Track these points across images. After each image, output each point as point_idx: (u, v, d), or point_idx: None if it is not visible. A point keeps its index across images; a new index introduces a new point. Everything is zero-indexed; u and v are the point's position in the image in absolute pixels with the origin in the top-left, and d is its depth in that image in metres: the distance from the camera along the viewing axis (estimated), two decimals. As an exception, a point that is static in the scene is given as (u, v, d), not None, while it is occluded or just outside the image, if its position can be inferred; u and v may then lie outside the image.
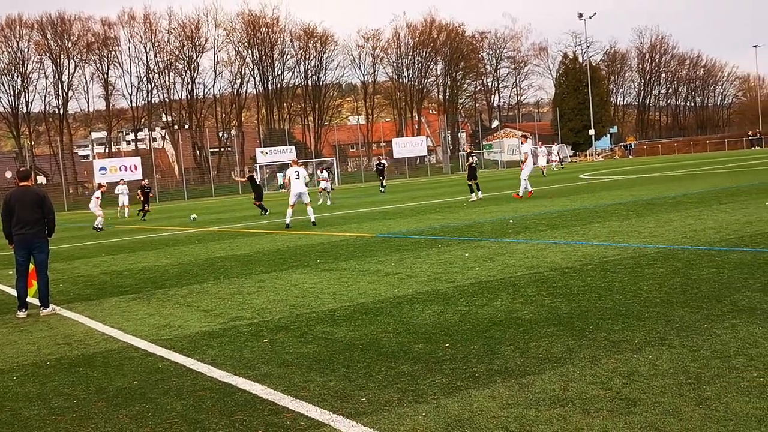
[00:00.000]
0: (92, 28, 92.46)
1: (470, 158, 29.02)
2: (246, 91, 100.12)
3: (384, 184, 45.16)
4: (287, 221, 21.81)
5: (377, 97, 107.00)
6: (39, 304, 10.88)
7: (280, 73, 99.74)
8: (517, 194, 26.35)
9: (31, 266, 10.99)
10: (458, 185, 42.75)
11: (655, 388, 5.15)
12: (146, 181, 41.19)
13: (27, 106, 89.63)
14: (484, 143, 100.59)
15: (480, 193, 27.59)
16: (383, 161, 47.50)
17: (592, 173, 44.48)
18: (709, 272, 9.11)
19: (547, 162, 53.53)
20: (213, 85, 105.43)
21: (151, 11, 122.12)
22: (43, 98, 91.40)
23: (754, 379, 5.16)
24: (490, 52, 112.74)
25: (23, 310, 10.72)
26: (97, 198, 30.65)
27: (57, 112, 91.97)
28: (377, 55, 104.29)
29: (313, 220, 22.14)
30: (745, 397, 4.84)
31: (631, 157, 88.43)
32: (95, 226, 29.39)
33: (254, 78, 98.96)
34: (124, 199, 41.41)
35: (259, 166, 78.66)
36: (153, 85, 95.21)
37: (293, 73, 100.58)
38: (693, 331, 6.54)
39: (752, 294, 7.74)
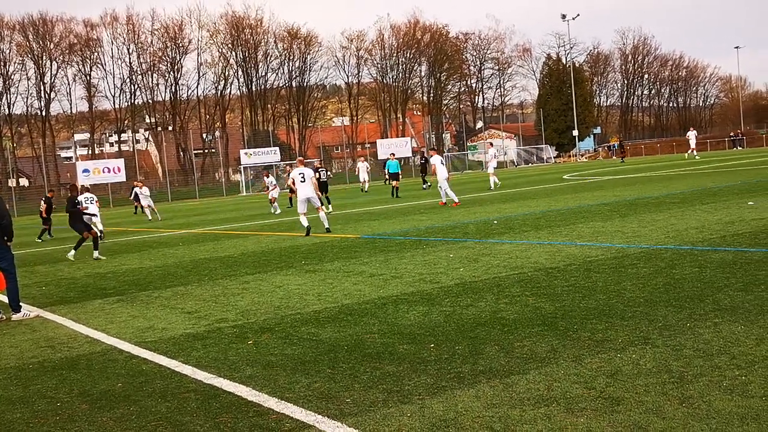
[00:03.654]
0: (74, 29, 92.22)
1: (318, 172, 27.05)
2: (230, 93, 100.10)
3: (425, 180, 42.69)
4: (305, 224, 19.01)
5: (362, 98, 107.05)
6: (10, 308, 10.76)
7: (264, 74, 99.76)
8: (456, 203, 25.14)
9: None
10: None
11: (638, 387, 5.18)
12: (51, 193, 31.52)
13: (9, 107, 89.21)
14: (468, 144, 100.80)
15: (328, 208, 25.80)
16: (426, 156, 46.56)
17: (575, 174, 44.66)
18: (692, 272, 9.17)
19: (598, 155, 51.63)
20: (197, 87, 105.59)
21: (133, 12, 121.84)
22: (25, 100, 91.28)
23: (736, 378, 5.20)
24: (474, 53, 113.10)
25: None
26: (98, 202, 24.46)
27: (39, 113, 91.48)
28: (361, 56, 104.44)
29: (327, 225, 19.29)
30: (728, 395, 4.88)
31: (614, 157, 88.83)
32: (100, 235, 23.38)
33: (238, 79, 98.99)
34: (148, 201, 37.48)
35: (243, 167, 78.51)
36: (136, 86, 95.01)
37: (277, 74, 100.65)
38: (676, 330, 6.58)
39: (734, 293, 7.79)
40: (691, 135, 56.35)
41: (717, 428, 4.37)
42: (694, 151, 54.95)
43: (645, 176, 33.49)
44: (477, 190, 34.81)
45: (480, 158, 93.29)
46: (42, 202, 28.77)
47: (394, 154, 41.37)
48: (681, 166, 41.40)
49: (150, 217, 35.56)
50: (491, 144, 39.94)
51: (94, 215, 22.68)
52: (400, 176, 36.94)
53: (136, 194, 47.41)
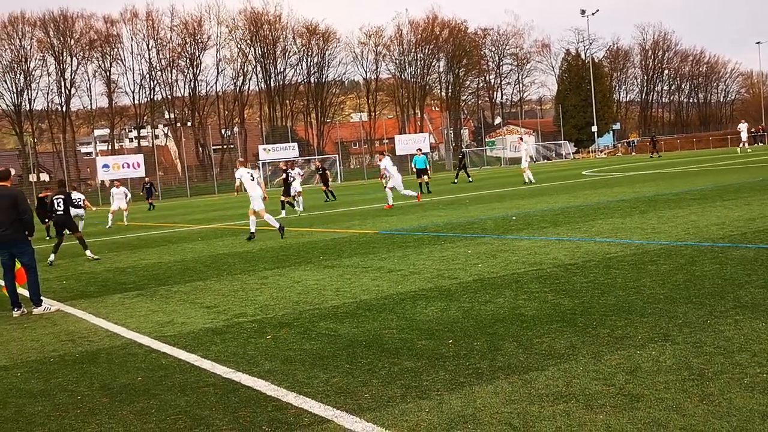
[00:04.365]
0: (95, 25, 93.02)
1: (287, 173, 27.68)
2: (248, 88, 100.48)
3: (459, 173, 43.47)
4: (252, 229, 18.35)
5: (380, 94, 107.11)
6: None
7: (282, 70, 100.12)
8: (389, 205, 25.13)
9: (19, 265, 10.93)
10: (461, 182, 42.72)
11: (658, 384, 5.15)
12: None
13: (30, 103, 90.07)
14: (486, 140, 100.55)
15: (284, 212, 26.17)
16: (463, 151, 46.05)
17: (594, 170, 44.44)
18: (712, 268, 9.11)
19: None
20: (215, 82, 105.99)
21: (153, 8, 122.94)
22: (45, 96, 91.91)
23: (757, 375, 5.16)
24: (493, 49, 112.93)
25: (16, 309, 10.69)
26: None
27: (60, 109, 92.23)
28: (380, 52, 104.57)
29: (277, 225, 18.36)
30: (749, 392, 4.84)
31: (634, 153, 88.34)
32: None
33: (257, 75, 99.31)
34: (119, 203, 31.48)
35: (262, 163, 78.74)
36: (155, 82, 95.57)
37: (296, 70, 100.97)
38: (696, 327, 6.54)
39: (755, 290, 7.73)
40: (743, 128, 54.52)
41: (738, 426, 4.34)
42: (746, 144, 53.52)
43: (666, 172, 33.28)
44: (495, 186, 34.73)
45: (498, 154, 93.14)
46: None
47: (421, 149, 39.64)
48: (701, 162, 41.10)
49: (110, 224, 29.26)
50: (521, 139, 39.31)
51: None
52: (429, 171, 36.07)
53: (146, 189, 47.35)
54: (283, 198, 28.03)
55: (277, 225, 18.30)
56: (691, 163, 41.51)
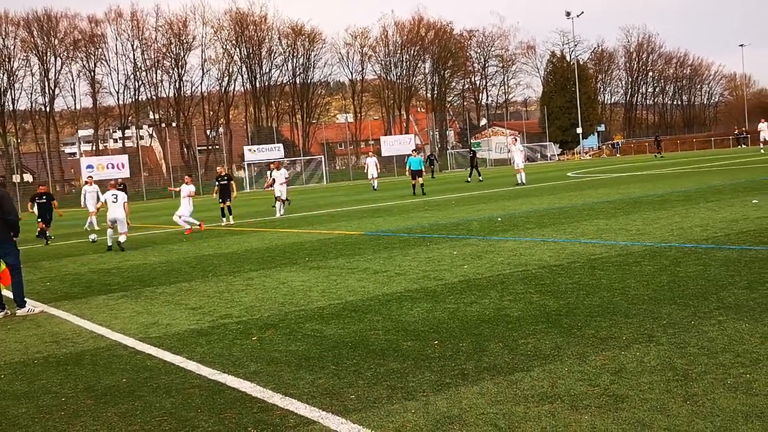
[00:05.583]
0: (79, 25, 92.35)
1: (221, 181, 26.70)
2: (234, 89, 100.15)
3: (473, 173, 42.61)
4: (109, 243, 19.14)
5: (365, 95, 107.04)
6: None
7: (268, 71, 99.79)
8: (189, 230, 23.42)
9: (3, 266, 10.87)
10: (447, 183, 42.78)
11: (642, 385, 5.18)
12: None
13: (13, 103, 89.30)
14: (472, 141, 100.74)
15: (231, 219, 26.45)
16: (473, 149, 45.57)
17: (579, 171, 44.60)
18: (696, 270, 9.16)
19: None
20: (201, 83, 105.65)
21: (138, 8, 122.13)
22: (29, 96, 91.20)
23: (740, 375, 5.20)
24: (478, 51, 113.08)
25: (0, 310, 10.63)
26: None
27: (43, 109, 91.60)
28: (365, 53, 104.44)
29: (121, 240, 18.97)
30: (732, 393, 4.88)
31: (618, 155, 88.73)
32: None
33: (242, 76, 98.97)
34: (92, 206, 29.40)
35: (247, 164, 78.59)
36: (140, 82, 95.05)
37: (281, 70, 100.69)
38: (680, 328, 6.58)
39: (738, 291, 7.79)
40: (763, 127, 52.18)
41: (721, 426, 4.37)
42: (762, 144, 51.51)
43: (650, 174, 33.45)
44: (480, 187, 34.79)
45: (484, 155, 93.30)
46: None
47: (416, 151, 38.75)
48: (689, 164, 41.33)
49: (95, 236, 22.83)
50: (516, 139, 38.92)
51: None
52: (423, 173, 35.24)
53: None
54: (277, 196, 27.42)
55: (92, 239, 21.49)
56: (670, 165, 41.70)
